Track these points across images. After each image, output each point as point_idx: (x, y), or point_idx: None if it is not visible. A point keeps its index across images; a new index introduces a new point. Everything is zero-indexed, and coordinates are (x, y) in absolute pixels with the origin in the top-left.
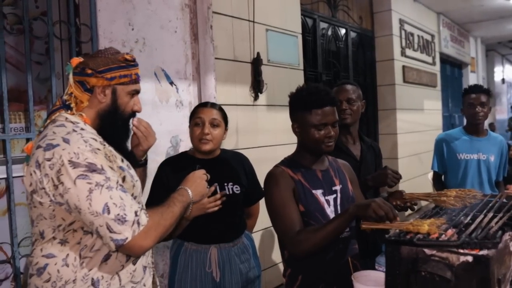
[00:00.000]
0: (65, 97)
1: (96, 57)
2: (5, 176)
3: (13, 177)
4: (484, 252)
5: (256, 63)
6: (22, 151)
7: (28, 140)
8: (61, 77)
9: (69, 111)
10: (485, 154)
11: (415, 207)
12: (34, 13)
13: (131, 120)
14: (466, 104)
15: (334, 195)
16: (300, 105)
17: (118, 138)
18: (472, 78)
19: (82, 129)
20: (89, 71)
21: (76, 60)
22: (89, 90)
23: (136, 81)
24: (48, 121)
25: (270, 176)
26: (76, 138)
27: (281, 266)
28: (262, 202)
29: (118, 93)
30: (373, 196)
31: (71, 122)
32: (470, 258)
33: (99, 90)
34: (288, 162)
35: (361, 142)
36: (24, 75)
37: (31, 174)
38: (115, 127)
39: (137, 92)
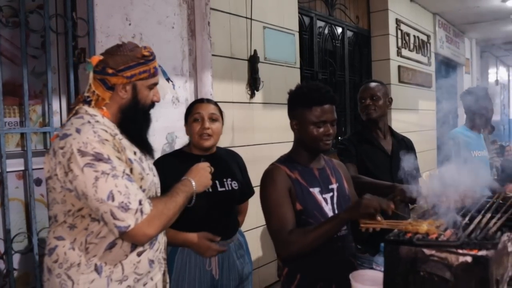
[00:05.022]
0: (86, 94)
1: (115, 55)
2: None
3: (7, 172)
4: (483, 252)
5: (253, 61)
6: (16, 145)
7: (22, 134)
8: (56, 72)
9: (87, 105)
10: (486, 150)
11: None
12: (30, 6)
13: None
14: (473, 102)
15: (331, 194)
16: (300, 102)
17: (139, 130)
18: (466, 79)
19: (97, 121)
20: (110, 71)
21: (96, 59)
22: (110, 88)
23: (155, 74)
24: (70, 115)
25: (267, 174)
26: (87, 128)
27: (275, 264)
28: (251, 201)
29: (138, 88)
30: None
31: (89, 114)
32: (469, 259)
33: (120, 87)
34: (285, 160)
35: (392, 137)
36: (19, 69)
37: (49, 162)
38: (137, 120)
39: (155, 84)
